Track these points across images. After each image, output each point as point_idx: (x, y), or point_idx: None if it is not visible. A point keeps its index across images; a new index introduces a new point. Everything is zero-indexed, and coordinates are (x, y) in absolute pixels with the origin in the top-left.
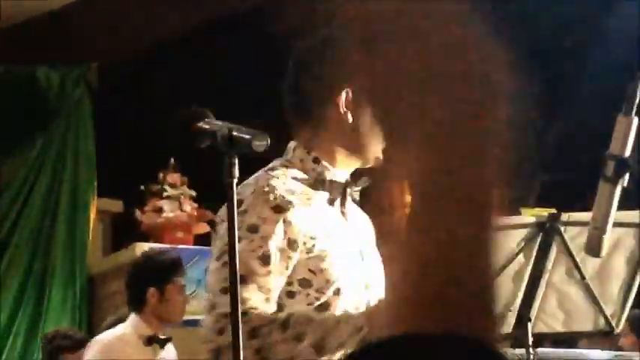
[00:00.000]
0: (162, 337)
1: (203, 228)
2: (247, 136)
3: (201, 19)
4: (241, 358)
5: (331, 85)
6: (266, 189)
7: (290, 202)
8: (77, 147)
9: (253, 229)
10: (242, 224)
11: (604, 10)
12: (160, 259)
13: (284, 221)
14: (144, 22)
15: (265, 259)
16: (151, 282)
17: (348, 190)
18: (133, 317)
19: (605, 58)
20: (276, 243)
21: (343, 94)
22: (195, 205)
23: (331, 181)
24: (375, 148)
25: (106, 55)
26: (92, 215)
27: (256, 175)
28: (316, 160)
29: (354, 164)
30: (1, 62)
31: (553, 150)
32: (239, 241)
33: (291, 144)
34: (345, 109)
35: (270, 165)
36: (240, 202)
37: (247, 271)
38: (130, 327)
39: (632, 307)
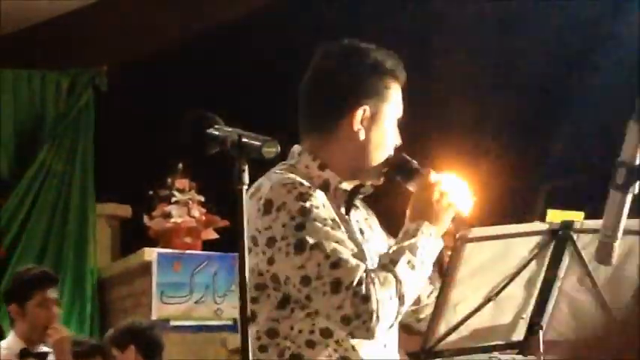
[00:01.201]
0: (40, 350)
1: (212, 233)
2: (257, 143)
3: (211, 22)
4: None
5: (350, 100)
6: (285, 182)
7: (310, 188)
8: (85, 151)
9: (305, 212)
10: (289, 214)
11: (616, 13)
12: (19, 276)
13: (312, 206)
14: (154, 25)
15: (333, 238)
16: (12, 298)
17: (353, 197)
18: (10, 333)
19: (618, 61)
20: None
21: (360, 111)
22: (204, 210)
23: (336, 188)
24: (377, 166)
25: (115, 59)
26: (93, 220)
27: (266, 177)
28: (322, 167)
29: (357, 180)
30: (10, 66)
31: (565, 154)
32: (301, 229)
33: (296, 148)
34: (359, 126)
35: (275, 169)
36: (269, 202)
37: (337, 257)
38: (6, 343)
39: None
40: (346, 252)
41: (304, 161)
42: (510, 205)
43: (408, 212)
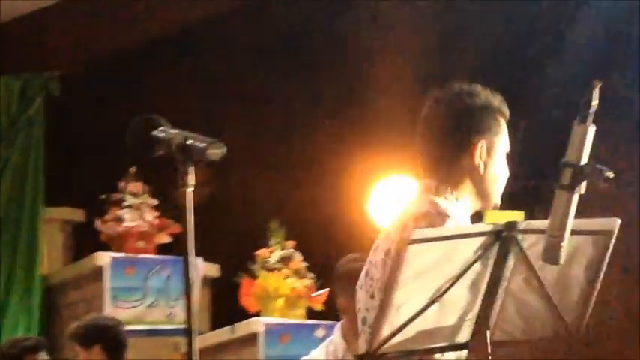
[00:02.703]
0: None
1: (165, 237)
2: (202, 145)
3: (164, 29)
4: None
5: (470, 137)
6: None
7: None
8: (36, 157)
9: None
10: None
11: (567, 19)
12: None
13: None
14: (106, 31)
15: None
16: None
17: None
18: None
19: (569, 65)
20: None
21: (479, 146)
22: (157, 214)
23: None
24: (498, 196)
25: (69, 63)
26: (42, 226)
27: (431, 204)
28: (458, 199)
29: (476, 207)
30: None
31: (517, 157)
32: None
33: (431, 182)
34: (479, 160)
35: (422, 199)
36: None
37: None
38: None
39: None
40: None
41: (443, 194)
42: None
43: None
